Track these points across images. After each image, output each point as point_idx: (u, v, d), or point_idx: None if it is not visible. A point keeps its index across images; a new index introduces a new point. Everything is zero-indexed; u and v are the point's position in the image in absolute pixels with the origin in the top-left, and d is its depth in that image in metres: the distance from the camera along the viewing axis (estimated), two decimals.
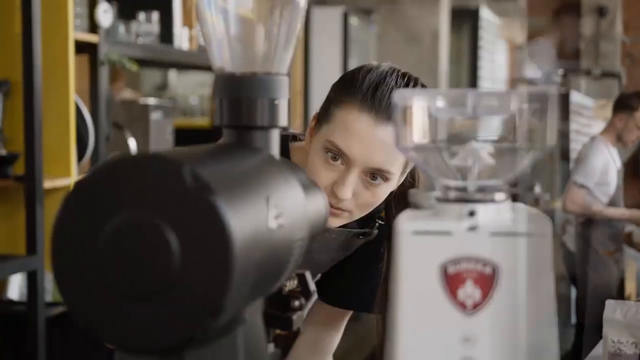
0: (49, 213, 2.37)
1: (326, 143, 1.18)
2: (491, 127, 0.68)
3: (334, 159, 1.18)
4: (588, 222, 4.15)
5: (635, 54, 6.46)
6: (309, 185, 0.74)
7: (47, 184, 2.40)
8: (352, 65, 4.55)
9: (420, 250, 0.60)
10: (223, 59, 0.69)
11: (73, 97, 2.49)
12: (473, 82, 6.95)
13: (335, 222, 1.22)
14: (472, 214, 0.60)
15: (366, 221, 1.35)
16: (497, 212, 0.61)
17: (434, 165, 0.63)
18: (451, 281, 0.60)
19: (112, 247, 0.54)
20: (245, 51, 0.69)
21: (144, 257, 0.54)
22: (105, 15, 2.60)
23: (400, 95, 0.63)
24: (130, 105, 3.26)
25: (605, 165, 4.17)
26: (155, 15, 3.05)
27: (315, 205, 0.73)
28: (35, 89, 2.29)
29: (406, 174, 1.25)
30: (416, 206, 0.65)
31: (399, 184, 1.25)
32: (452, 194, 0.62)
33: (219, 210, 0.53)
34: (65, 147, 2.49)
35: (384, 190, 1.20)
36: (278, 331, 0.82)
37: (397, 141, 0.62)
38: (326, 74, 4.62)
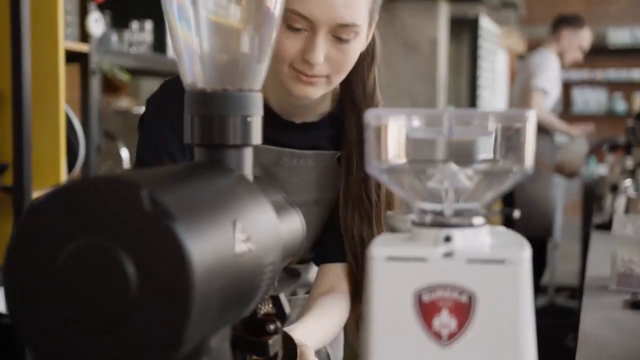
0: None
1: (284, 13, 1.12)
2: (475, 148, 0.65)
3: (296, 30, 1.14)
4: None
5: None
6: (283, 206, 0.71)
7: (37, 195, 2.37)
8: None
9: (394, 277, 0.57)
10: (194, 74, 0.67)
11: (63, 106, 2.46)
12: (473, 91, 6.90)
13: (314, 92, 1.19)
14: (448, 239, 0.57)
15: (340, 139, 1.31)
16: (475, 237, 0.58)
17: (410, 187, 0.60)
18: (426, 310, 0.57)
19: (67, 275, 0.51)
20: (217, 66, 0.66)
21: (99, 285, 0.51)
22: (96, 24, 2.58)
23: (373, 115, 0.60)
24: (124, 115, 3.23)
25: (554, 76, 4.26)
26: (148, 25, 3.03)
27: (289, 226, 0.70)
28: (24, 98, 2.26)
29: (373, 27, 1.23)
30: (392, 229, 0.62)
31: (369, 40, 1.23)
32: (428, 218, 0.59)
33: (177, 236, 0.50)
34: (55, 158, 2.45)
35: (355, 47, 1.18)
36: (254, 357, 0.79)
37: (369, 162, 0.60)
38: None
